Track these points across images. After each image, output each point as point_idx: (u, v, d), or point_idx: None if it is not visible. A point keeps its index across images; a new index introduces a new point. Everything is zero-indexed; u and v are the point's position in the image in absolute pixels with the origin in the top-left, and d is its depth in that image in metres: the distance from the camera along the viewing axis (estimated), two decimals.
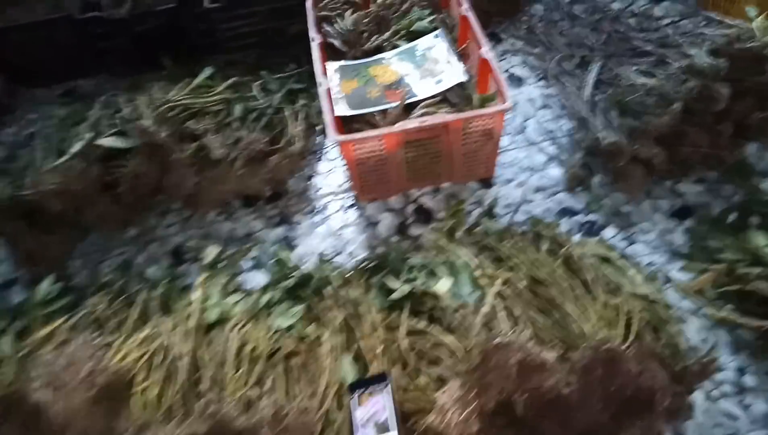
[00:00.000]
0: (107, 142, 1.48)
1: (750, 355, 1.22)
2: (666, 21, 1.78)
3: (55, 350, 0.98)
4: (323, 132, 1.73)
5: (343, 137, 1.39)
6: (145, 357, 1.02)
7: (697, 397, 1.16)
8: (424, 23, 1.72)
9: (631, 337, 1.02)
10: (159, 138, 1.44)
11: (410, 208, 1.57)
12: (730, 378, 1.20)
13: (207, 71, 1.69)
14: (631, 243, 1.43)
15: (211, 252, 1.38)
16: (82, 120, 1.58)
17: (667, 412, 1.04)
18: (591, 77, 1.67)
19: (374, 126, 1.47)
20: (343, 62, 1.66)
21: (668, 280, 1.30)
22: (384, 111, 1.49)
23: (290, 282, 1.26)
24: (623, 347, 0.98)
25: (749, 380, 1.19)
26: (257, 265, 1.46)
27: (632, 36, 1.67)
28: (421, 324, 1.10)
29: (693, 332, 1.23)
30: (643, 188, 1.50)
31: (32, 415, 0.94)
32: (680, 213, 1.48)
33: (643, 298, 1.14)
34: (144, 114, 1.49)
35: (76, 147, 1.44)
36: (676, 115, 1.40)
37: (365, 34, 1.72)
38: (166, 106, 1.52)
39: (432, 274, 1.22)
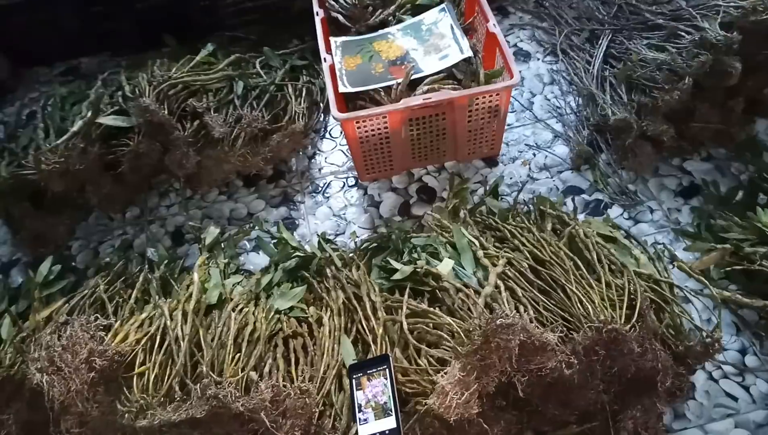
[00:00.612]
0: (108, 120, 1.48)
1: (752, 335, 1.21)
2: None
3: (55, 332, 0.98)
4: (326, 110, 1.71)
5: (345, 115, 1.37)
6: (145, 339, 1.02)
7: (699, 377, 1.16)
8: None
9: (634, 318, 1.00)
10: (159, 116, 1.42)
11: (413, 187, 1.55)
12: (731, 358, 1.19)
13: (208, 48, 1.67)
14: (637, 222, 1.41)
15: (212, 233, 1.37)
16: (83, 98, 1.57)
17: (668, 393, 1.03)
18: (600, 52, 1.64)
19: (378, 103, 1.45)
20: (346, 37, 1.63)
21: (673, 259, 1.28)
22: (388, 87, 1.46)
23: (291, 263, 1.26)
24: (626, 328, 0.96)
25: (751, 361, 1.18)
26: (258, 246, 1.45)
27: (643, 9, 1.62)
28: (423, 305, 1.09)
29: (696, 312, 1.22)
30: (651, 166, 1.47)
31: (33, 396, 0.95)
32: (687, 191, 1.45)
33: (647, 277, 1.13)
34: (145, 92, 1.47)
35: (77, 126, 1.43)
36: (687, 90, 1.37)
37: (369, 8, 1.68)
38: (167, 84, 1.50)
39: (434, 254, 1.21)
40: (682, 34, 1.46)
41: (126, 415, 0.92)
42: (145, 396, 0.94)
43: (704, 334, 1.05)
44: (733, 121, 1.44)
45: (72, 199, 1.50)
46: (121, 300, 1.16)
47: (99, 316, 1.04)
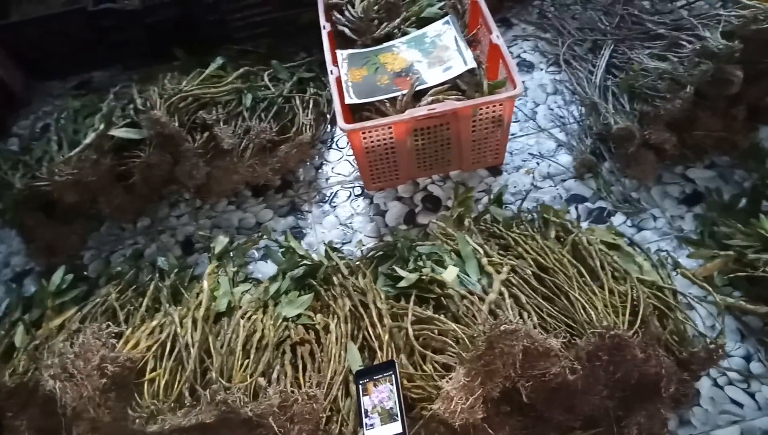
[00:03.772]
0: (120, 133, 1.51)
1: (757, 342, 1.21)
2: (681, 2, 1.74)
3: (67, 339, 1.00)
4: (333, 121, 1.73)
5: (352, 126, 1.39)
6: (155, 346, 1.04)
7: (704, 383, 1.16)
8: (434, 9, 1.70)
9: (637, 324, 1.01)
10: (170, 128, 1.45)
11: (419, 196, 1.57)
12: (736, 365, 1.19)
13: (218, 61, 1.70)
14: (640, 229, 1.42)
15: (221, 242, 1.39)
16: (95, 111, 1.60)
17: (672, 399, 1.04)
18: (602, 62, 1.65)
19: (383, 114, 1.47)
20: (352, 50, 1.65)
21: (676, 266, 1.29)
22: (393, 99, 1.48)
23: (298, 271, 1.28)
24: (629, 334, 0.97)
25: (756, 367, 1.19)
26: (266, 255, 1.47)
27: (645, 19, 1.64)
28: (428, 312, 1.11)
29: (700, 319, 1.22)
30: (654, 174, 1.48)
31: (47, 402, 0.97)
32: (690, 199, 1.46)
33: (651, 284, 1.13)
34: (156, 105, 1.51)
35: (89, 138, 1.47)
36: (689, 99, 1.38)
37: (375, 22, 1.71)
38: (177, 96, 1.53)
39: (439, 262, 1.22)
40: (684, 43, 1.48)
41: (137, 421, 0.94)
42: (155, 402, 0.96)
43: (708, 340, 1.06)
44: (735, 129, 1.45)
45: (84, 210, 1.53)
46: (132, 308, 1.18)
47: (110, 323, 1.06)
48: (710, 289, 1.13)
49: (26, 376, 1.05)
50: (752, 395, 1.15)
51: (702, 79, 1.37)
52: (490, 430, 0.95)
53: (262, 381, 1.00)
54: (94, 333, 0.98)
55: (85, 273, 1.48)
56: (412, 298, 1.14)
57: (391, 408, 0.97)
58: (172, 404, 0.95)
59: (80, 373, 0.93)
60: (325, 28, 1.64)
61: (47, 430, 1.02)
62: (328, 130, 1.75)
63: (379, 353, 1.06)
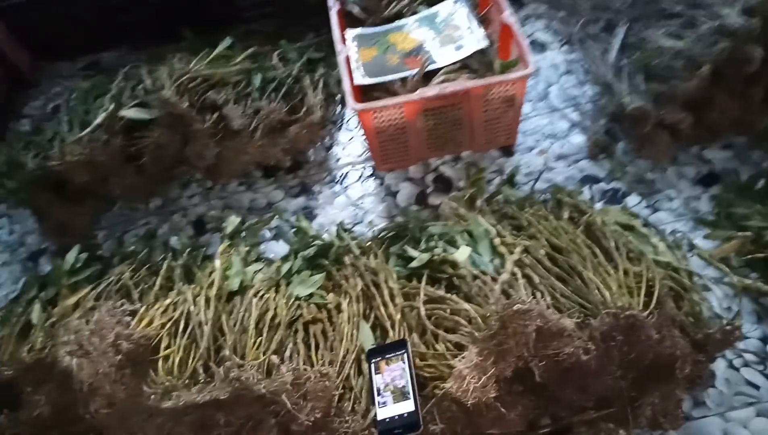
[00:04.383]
0: (130, 113, 1.51)
1: None
2: None
3: (82, 317, 1.00)
4: (342, 101, 1.72)
5: (362, 106, 1.38)
6: (169, 324, 1.05)
7: (719, 365, 1.15)
8: None
9: (652, 305, 1.00)
10: (180, 109, 1.45)
11: (430, 177, 1.56)
12: (753, 347, 1.18)
13: (226, 41, 1.69)
14: (655, 210, 1.41)
15: (233, 222, 1.39)
16: (105, 92, 1.60)
17: (687, 380, 1.03)
18: (616, 41, 1.62)
19: (394, 94, 1.46)
20: (362, 30, 1.64)
21: (692, 247, 1.27)
22: (404, 79, 1.47)
23: (310, 251, 1.28)
24: (644, 314, 0.96)
25: None
26: (278, 235, 1.47)
27: None
28: (440, 292, 1.11)
29: (716, 300, 1.21)
30: (669, 155, 1.47)
31: (63, 378, 0.98)
32: (706, 180, 1.44)
33: (666, 265, 1.12)
34: (165, 85, 1.50)
35: (100, 118, 1.47)
36: (705, 78, 1.36)
37: (384, 1, 1.69)
38: (186, 77, 1.52)
39: (451, 242, 1.22)
40: (701, 21, 1.45)
41: (152, 397, 0.94)
42: (170, 378, 0.96)
43: (724, 321, 1.05)
44: (752, 109, 1.42)
45: (95, 190, 1.53)
46: (145, 287, 1.19)
47: (125, 301, 1.07)
48: (727, 270, 1.11)
49: (43, 353, 1.06)
50: None
51: (719, 58, 1.34)
52: (502, 409, 0.95)
53: (275, 359, 1.01)
54: (108, 311, 0.99)
55: (99, 252, 1.48)
56: (424, 277, 1.14)
57: (404, 386, 0.97)
58: (187, 381, 0.96)
59: (96, 349, 0.94)
60: (333, 8, 1.62)
61: (64, 405, 1.03)
62: (338, 110, 1.74)
63: (391, 332, 1.06)
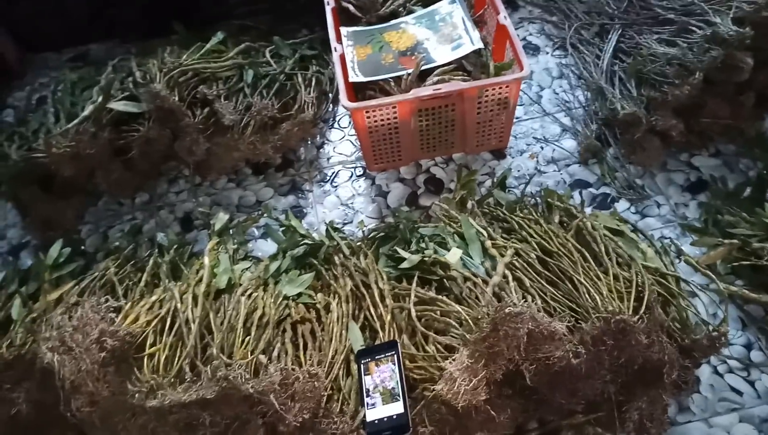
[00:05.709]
0: (118, 106, 1.48)
1: (758, 331, 1.21)
2: None
3: (65, 312, 0.98)
4: (335, 100, 1.71)
5: (355, 104, 1.37)
6: (155, 321, 1.03)
7: (704, 371, 1.16)
8: None
9: (642, 310, 1.01)
10: (170, 103, 1.43)
11: (421, 178, 1.56)
12: (737, 353, 1.19)
13: (219, 36, 1.67)
14: (644, 216, 1.41)
15: (221, 219, 1.38)
16: (93, 84, 1.57)
17: (673, 385, 1.03)
18: (609, 46, 1.64)
19: (387, 93, 1.45)
20: (357, 28, 1.63)
21: (680, 253, 1.28)
22: (398, 78, 1.46)
23: (299, 250, 1.26)
24: (634, 319, 0.97)
25: (756, 356, 1.19)
26: (266, 233, 1.46)
27: (654, 3, 1.62)
28: (430, 293, 1.10)
29: (702, 307, 1.22)
30: (659, 161, 1.47)
31: (44, 375, 0.96)
32: (694, 186, 1.45)
33: (654, 271, 1.13)
34: (155, 78, 1.48)
35: (88, 111, 1.44)
36: (697, 85, 1.37)
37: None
38: (177, 70, 1.50)
39: (442, 244, 1.21)
40: (694, 28, 1.46)
41: (137, 395, 0.93)
42: (155, 376, 0.95)
43: (710, 328, 1.05)
44: (743, 116, 1.44)
45: (81, 184, 1.51)
46: (130, 283, 1.17)
47: (109, 298, 1.04)
48: (714, 276, 1.12)
49: (24, 349, 1.03)
50: (752, 383, 1.15)
51: (711, 65, 1.35)
52: (491, 412, 0.94)
53: (262, 358, 0.99)
54: (92, 307, 0.96)
55: (83, 247, 1.45)
56: (415, 278, 1.13)
57: (393, 388, 0.97)
58: (173, 379, 0.94)
59: (79, 346, 0.91)
60: (330, 4, 1.61)
61: (45, 403, 1.00)
62: (330, 109, 1.73)
63: (380, 333, 1.05)
